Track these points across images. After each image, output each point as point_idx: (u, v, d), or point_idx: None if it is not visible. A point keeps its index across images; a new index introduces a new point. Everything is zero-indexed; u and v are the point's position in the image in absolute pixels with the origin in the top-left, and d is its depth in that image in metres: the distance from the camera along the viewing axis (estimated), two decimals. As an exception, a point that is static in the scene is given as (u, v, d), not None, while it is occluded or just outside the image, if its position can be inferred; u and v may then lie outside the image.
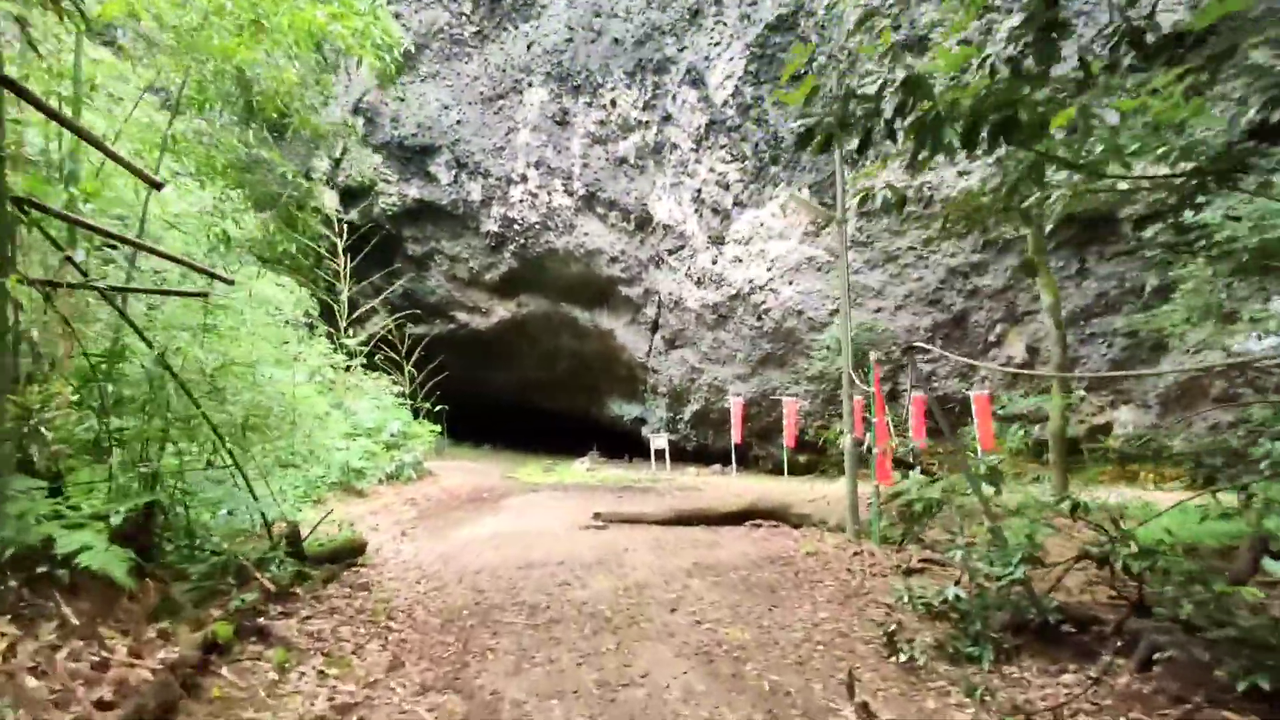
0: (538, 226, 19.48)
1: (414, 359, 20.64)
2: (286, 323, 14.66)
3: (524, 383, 25.49)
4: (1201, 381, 12.91)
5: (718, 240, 17.15)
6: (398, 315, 21.41)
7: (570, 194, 18.67)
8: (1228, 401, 12.62)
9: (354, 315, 17.87)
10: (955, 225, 13.91)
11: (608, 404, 23.95)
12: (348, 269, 17.96)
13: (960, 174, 13.31)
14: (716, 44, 15.76)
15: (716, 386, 18.85)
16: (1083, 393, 14.16)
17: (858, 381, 7.92)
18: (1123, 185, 12.50)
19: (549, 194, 18.89)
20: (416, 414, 17.85)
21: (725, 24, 15.60)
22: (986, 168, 13.05)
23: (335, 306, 12.44)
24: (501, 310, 22.31)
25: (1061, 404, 9.04)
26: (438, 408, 19.50)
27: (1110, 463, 14.38)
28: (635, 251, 18.80)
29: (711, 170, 16.71)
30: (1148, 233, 12.80)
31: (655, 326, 19.82)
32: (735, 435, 17.63)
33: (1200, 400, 13.10)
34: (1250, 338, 12.83)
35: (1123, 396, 14.06)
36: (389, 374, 17.99)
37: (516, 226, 19.74)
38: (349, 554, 6.56)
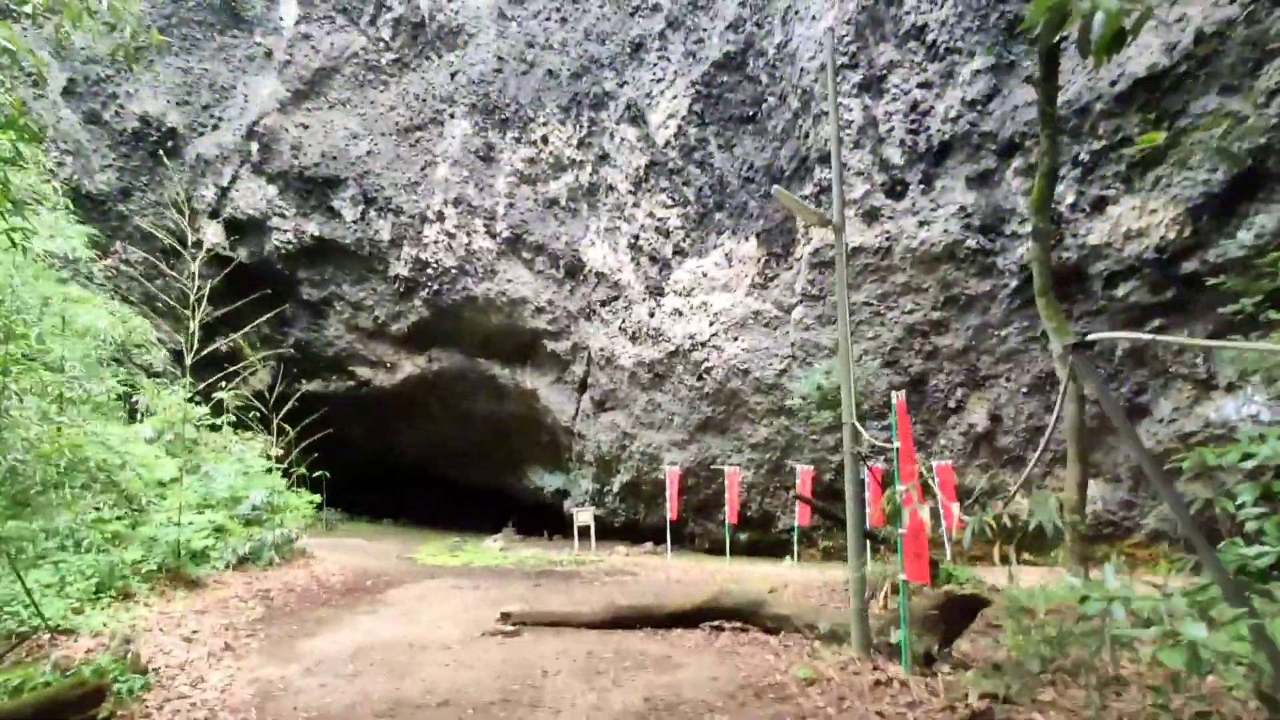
0: (454, 271, 17.40)
1: (305, 419, 17.73)
2: (115, 361, 11.87)
3: (434, 449, 22.70)
4: (1178, 454, 11.93)
5: (656, 291, 15.55)
6: (273, 362, 18.56)
7: (493, 236, 16.79)
8: (1206, 475, 11.64)
9: (229, 367, 15.04)
10: (916, 279, 12.82)
11: (527, 474, 21.47)
12: (200, 313, 15.21)
13: (922, 224, 12.27)
14: (659, 80, 14.60)
15: (650, 454, 16.87)
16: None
17: (865, 433, 6.12)
18: (1093, 239, 11.79)
19: (469, 235, 16.94)
20: (300, 483, 14.96)
21: (669, 60, 14.50)
22: (949, 218, 12.07)
23: (184, 351, 9.89)
24: (410, 366, 19.79)
25: (1078, 473, 7.56)
26: (319, 474, 16.56)
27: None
28: (564, 301, 16.95)
29: (651, 215, 15.28)
30: (1119, 291, 12.15)
31: (583, 386, 17.82)
32: (670, 509, 15.61)
33: (1176, 476, 12.10)
34: (1230, 404, 12.08)
35: (1090, 470, 12.93)
36: (267, 434, 15.10)
37: (430, 270, 17.59)
38: (70, 707, 3.88)
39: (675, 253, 15.20)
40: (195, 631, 6.67)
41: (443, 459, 23.02)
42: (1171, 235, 10.46)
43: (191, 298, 9.84)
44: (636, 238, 15.51)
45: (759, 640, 6.28)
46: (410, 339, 19.26)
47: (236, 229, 18.14)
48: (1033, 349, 12.31)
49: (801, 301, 13.88)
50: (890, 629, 5.24)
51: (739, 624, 6.87)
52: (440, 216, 17.02)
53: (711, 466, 15.96)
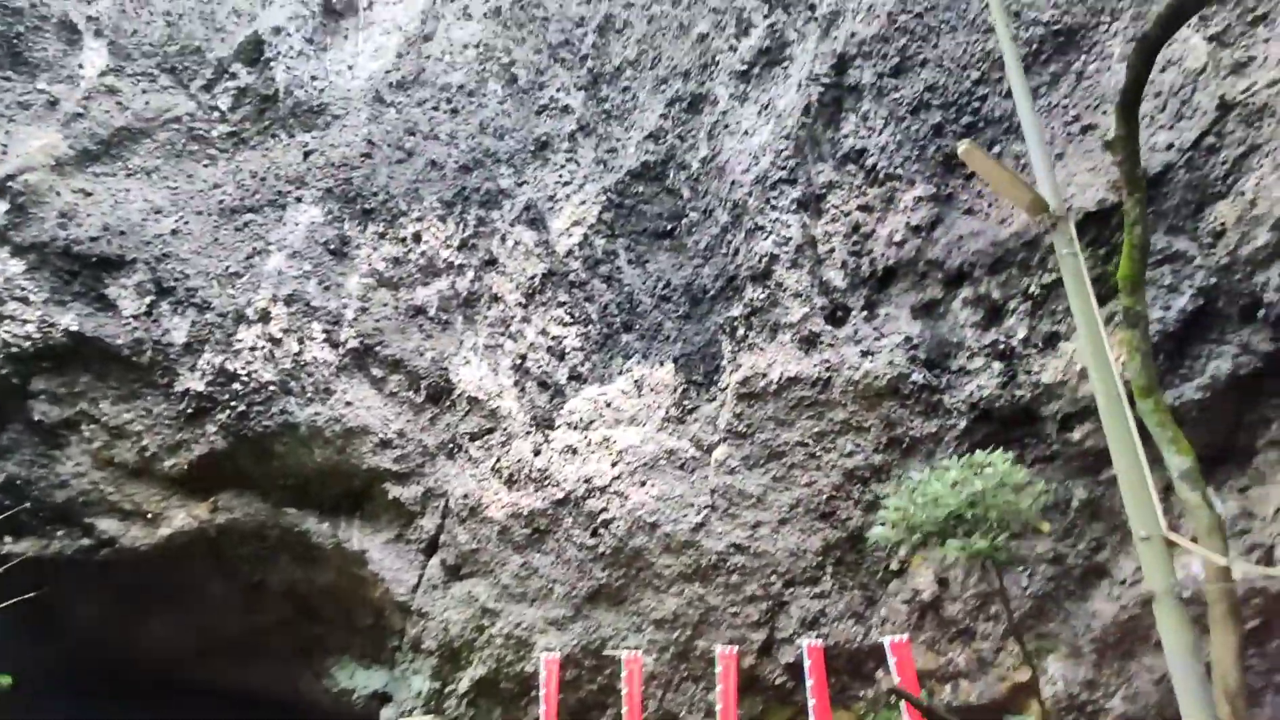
0: (273, 388, 13.34)
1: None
2: None
3: (203, 640, 16.48)
4: (1143, 621, 10.75)
5: (544, 423, 12.73)
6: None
7: (335, 345, 13.27)
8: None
9: None
10: (857, 415, 11.35)
11: (333, 671, 16.01)
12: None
13: (865, 354, 11.02)
14: (567, 184, 12.95)
15: (517, 638, 13.00)
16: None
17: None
18: (1046, 377, 11.15)
19: (301, 342, 13.26)
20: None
21: (578, 164, 13.00)
22: (894, 348, 10.96)
23: None
24: (183, 517, 14.49)
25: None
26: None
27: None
28: (420, 434, 13.43)
29: (544, 333, 12.86)
30: (1074, 434, 11.46)
31: (433, 546, 13.84)
32: (544, 714, 11.80)
33: (1142, 646, 10.83)
34: (1195, 563, 11.30)
35: (1048, 643, 11.35)
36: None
37: (238, 386, 13.36)
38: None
39: (571, 378, 12.72)
40: None
41: (212, 654, 16.76)
42: (1127, 375, 9.93)
43: None
44: (524, 358, 12.89)
45: None
46: (190, 480, 14.23)
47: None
48: (982, 500, 11.01)
49: (726, 439, 11.79)
50: None
51: None
52: (264, 316, 13.25)
53: (601, 652, 12.46)
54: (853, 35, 11.01)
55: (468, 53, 13.81)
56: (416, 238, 13.36)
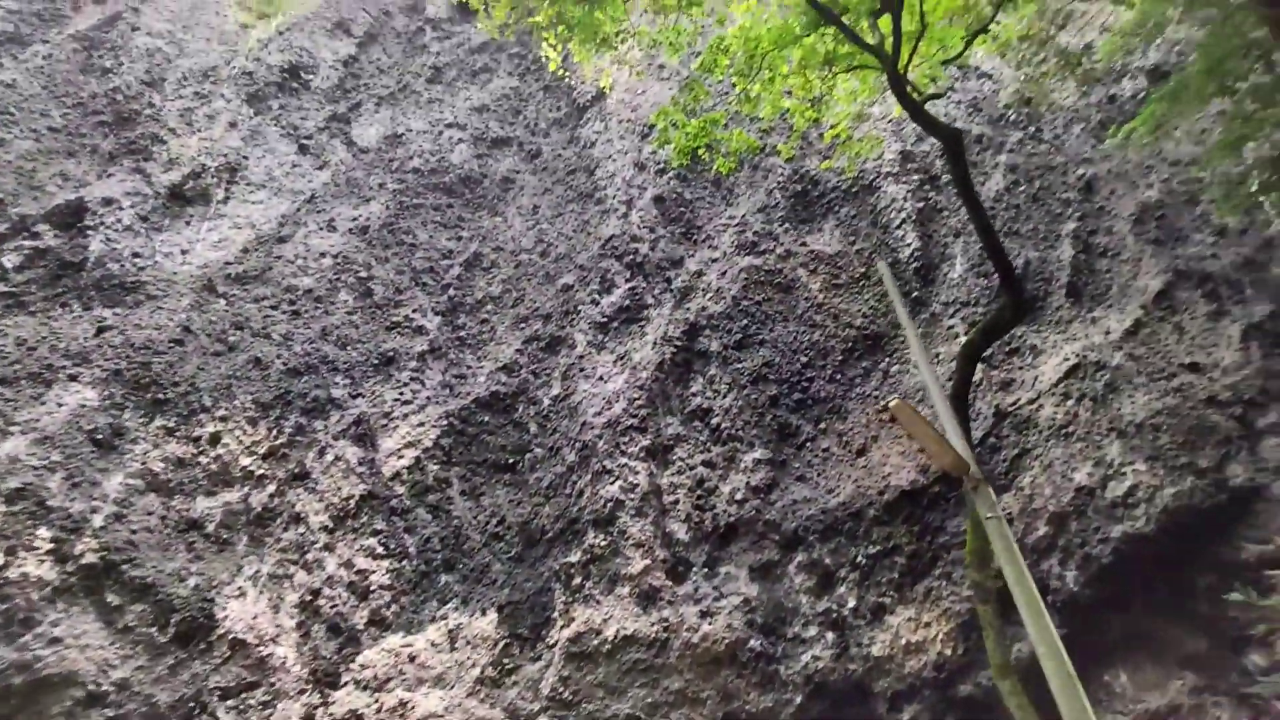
0: (-54, 612, 9.86)
1: None
2: None
3: None
4: None
5: (326, 679, 10.36)
6: None
7: (63, 560, 10.33)
8: None
9: None
10: (693, 685, 10.39)
11: None
12: None
13: (704, 614, 10.52)
14: (407, 402, 12.20)
15: None
16: None
17: None
18: (876, 650, 11.11)
19: (12, 552, 10.21)
20: None
21: (424, 383, 12.43)
22: (733, 610, 10.58)
23: None
24: None
25: None
26: None
27: None
28: (152, 686, 10.22)
29: (348, 565, 11.07)
30: (904, 714, 11.14)
31: None
32: None
33: None
34: None
35: None
36: None
37: (-112, 606, 9.74)
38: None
39: (372, 622, 10.76)
40: None
41: None
42: (948, 651, 10.25)
43: None
44: (316, 594, 10.83)
45: None
46: None
47: None
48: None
49: (548, 709, 10.21)
50: None
51: None
52: (-27, 513, 10.22)
53: None
54: (703, 309, 12.24)
55: (324, 261, 13.46)
56: (214, 439, 11.52)
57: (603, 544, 10.89)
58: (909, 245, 12.51)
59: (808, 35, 8.27)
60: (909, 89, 7.99)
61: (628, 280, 12.65)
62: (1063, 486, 10.56)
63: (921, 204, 12.88)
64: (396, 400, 12.20)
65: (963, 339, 11.49)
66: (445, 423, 12.08)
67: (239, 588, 10.78)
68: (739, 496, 11.13)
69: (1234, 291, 11.88)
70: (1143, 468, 10.54)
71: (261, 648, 10.43)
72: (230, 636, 10.46)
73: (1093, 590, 9.83)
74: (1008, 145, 13.44)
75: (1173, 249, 12.23)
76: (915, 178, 13.15)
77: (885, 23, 7.66)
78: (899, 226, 12.77)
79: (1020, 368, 11.53)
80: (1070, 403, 11.02)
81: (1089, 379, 11.19)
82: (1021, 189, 12.98)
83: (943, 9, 8.25)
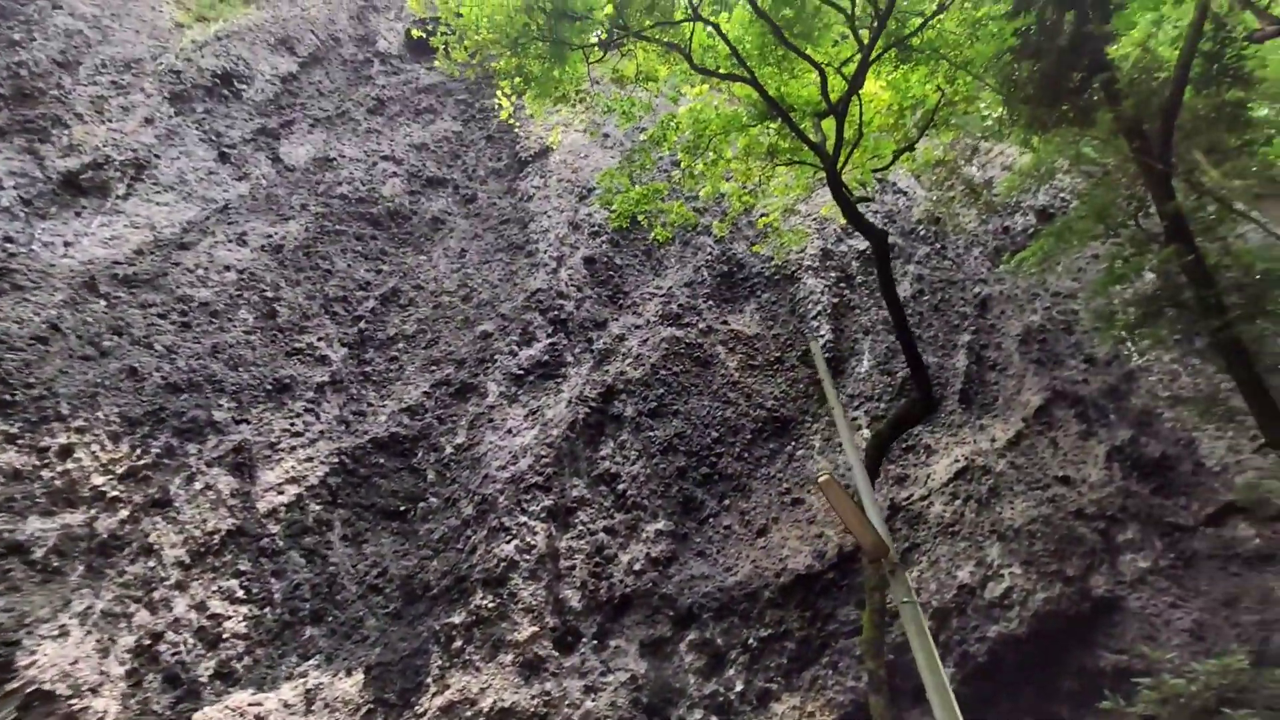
0: None
1: None
2: None
3: None
4: None
5: (151, 741, 9.05)
6: None
7: None
8: None
9: None
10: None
11: None
12: None
13: (589, 690, 10.02)
14: (298, 434, 11.37)
15: None
16: None
17: None
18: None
19: None
20: None
21: (319, 416, 11.66)
22: (620, 687, 10.13)
23: None
24: None
25: None
26: None
27: None
28: (-75, 739, 8.61)
29: (201, 607, 9.93)
30: None
31: None
32: None
33: None
34: None
35: None
36: None
37: None
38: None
39: (218, 675, 9.59)
40: None
41: None
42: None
43: None
44: (158, 637, 9.59)
45: None
46: None
47: None
48: None
49: (406, 789, 9.30)
50: None
51: None
52: None
53: None
54: (622, 374, 12.23)
55: (227, 274, 12.60)
56: (65, 452, 10.24)
57: (490, 606, 10.30)
58: (823, 336, 13.11)
59: (754, 125, 8.78)
60: (844, 189, 8.55)
61: (549, 335, 12.52)
62: (946, 584, 10.98)
63: (836, 299, 13.61)
64: (286, 430, 11.34)
65: (866, 431, 12.01)
66: (336, 460, 11.30)
67: (60, 626, 9.38)
68: (637, 567, 10.88)
69: (1100, 415, 13.08)
70: (1018, 571, 11.14)
71: (75, 699, 9.02)
72: (34, 685, 8.99)
73: (969, 689, 10.11)
74: (916, 257, 14.54)
75: (1051, 370, 13.41)
76: (833, 274, 13.93)
77: (829, 125, 8.25)
78: (815, 317, 13.39)
79: (915, 465, 12.10)
80: (958, 503, 11.61)
81: (975, 482, 11.87)
82: (926, 298, 13.99)
83: (877, 123, 8.99)
